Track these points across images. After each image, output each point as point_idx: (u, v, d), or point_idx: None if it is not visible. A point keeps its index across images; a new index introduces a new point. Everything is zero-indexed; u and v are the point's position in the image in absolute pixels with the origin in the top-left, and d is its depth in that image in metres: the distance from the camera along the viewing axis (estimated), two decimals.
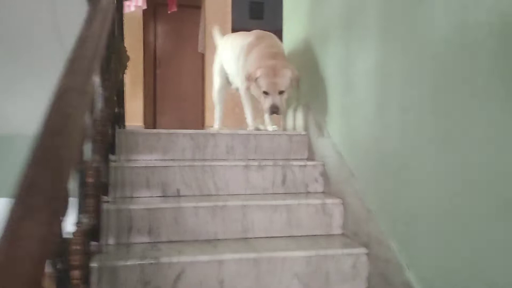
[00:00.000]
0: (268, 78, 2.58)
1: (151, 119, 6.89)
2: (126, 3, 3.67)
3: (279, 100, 2.60)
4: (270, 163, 2.44)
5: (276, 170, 2.43)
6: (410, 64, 1.69)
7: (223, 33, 6.01)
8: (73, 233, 1.30)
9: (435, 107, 1.54)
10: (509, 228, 1.21)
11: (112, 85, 2.15)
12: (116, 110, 2.38)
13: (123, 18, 2.68)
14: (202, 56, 6.50)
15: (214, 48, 6.03)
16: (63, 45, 2.48)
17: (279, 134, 2.72)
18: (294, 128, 3.01)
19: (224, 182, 2.36)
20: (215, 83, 3.45)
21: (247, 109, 3.06)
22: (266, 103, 2.62)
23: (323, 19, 2.63)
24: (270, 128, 3.06)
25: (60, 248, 1.12)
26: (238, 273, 1.85)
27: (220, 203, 2.11)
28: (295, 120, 3.01)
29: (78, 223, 1.36)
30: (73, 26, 2.15)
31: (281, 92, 2.61)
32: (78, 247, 1.32)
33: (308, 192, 2.47)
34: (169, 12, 5.13)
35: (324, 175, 2.49)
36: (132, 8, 4.59)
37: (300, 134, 2.75)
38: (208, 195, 2.33)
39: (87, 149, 1.49)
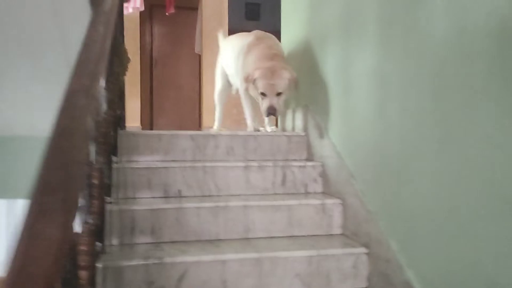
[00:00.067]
0: (266, 79, 2.58)
1: (148, 120, 6.90)
2: (124, 5, 3.69)
3: (276, 102, 2.61)
4: (270, 163, 2.47)
5: (276, 170, 2.46)
6: (409, 66, 1.72)
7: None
8: (80, 234, 1.32)
9: (434, 108, 1.56)
10: (509, 228, 1.24)
11: (115, 87, 2.17)
12: (118, 112, 2.39)
13: (123, 20, 2.70)
14: (199, 57, 6.51)
15: (211, 49, 6.09)
16: (66, 48, 2.51)
17: (278, 135, 2.75)
18: (293, 129, 3.03)
19: (225, 182, 2.39)
20: (217, 84, 3.47)
21: (247, 110, 3.08)
22: (264, 104, 2.63)
23: (322, 21, 2.66)
24: (269, 129, 3.08)
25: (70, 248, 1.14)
26: (241, 273, 1.87)
27: (222, 204, 2.13)
28: (294, 121, 3.04)
29: (85, 224, 1.38)
30: (76, 30, 2.17)
31: (278, 94, 2.62)
32: (85, 248, 1.34)
33: (308, 193, 2.50)
34: (167, 13, 5.14)
35: (323, 175, 2.51)
36: (130, 10, 4.60)
37: (299, 135, 2.78)
38: (209, 195, 2.35)
39: (91, 151, 1.51)
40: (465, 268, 1.42)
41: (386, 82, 1.89)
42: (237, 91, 3.22)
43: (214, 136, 2.62)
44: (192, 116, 6.96)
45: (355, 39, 2.19)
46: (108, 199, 2.02)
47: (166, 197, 2.29)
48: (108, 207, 1.96)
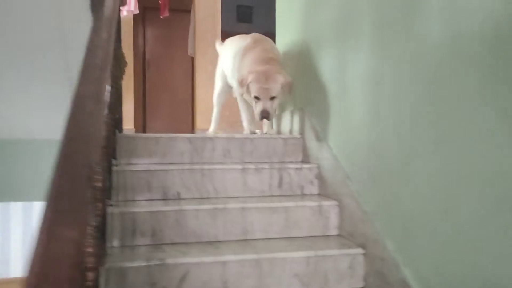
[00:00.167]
0: (260, 83, 2.59)
1: (141, 123, 6.91)
2: None
3: (270, 106, 2.62)
4: (267, 166, 2.51)
5: (273, 173, 2.50)
6: (404, 69, 1.77)
7: (213, 36, 6.09)
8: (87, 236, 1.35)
9: (429, 110, 1.61)
10: (504, 226, 1.28)
11: (114, 91, 2.19)
12: (116, 115, 2.42)
13: (120, 24, 2.73)
14: (192, 59, 6.54)
15: (204, 51, 6.12)
16: (66, 50, 2.53)
17: (274, 138, 2.79)
18: (291, 132, 3.07)
19: (223, 185, 2.42)
20: (216, 86, 3.47)
21: (243, 113, 3.11)
22: (257, 108, 2.65)
23: (318, 25, 2.70)
24: (265, 130, 3.11)
25: None
26: (241, 273, 1.91)
27: (220, 206, 2.17)
28: (290, 123, 3.08)
29: (90, 226, 1.41)
30: (76, 32, 2.20)
31: (272, 98, 2.63)
32: (91, 249, 1.37)
33: (304, 194, 2.54)
34: (161, 17, 5.16)
35: (319, 177, 2.56)
36: (125, 13, 4.62)
37: (295, 138, 2.82)
38: (207, 198, 2.39)
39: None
40: (462, 267, 1.46)
41: (382, 85, 1.94)
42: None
43: (211, 138, 2.66)
44: (185, 118, 6.99)
45: (350, 42, 2.24)
46: (108, 201, 2.04)
47: (165, 199, 2.33)
48: (109, 209, 1.99)
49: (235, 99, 3.21)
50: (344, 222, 2.26)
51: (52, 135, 2.91)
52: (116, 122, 2.39)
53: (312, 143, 2.69)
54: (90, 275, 1.35)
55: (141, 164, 2.47)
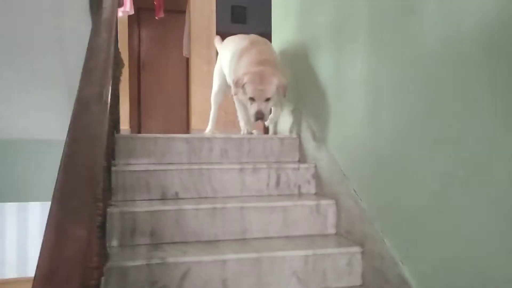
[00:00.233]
0: (255, 84, 2.59)
1: (136, 123, 6.92)
2: None
3: (264, 107, 2.61)
4: (264, 166, 2.53)
5: (270, 172, 2.53)
6: (401, 71, 1.80)
7: (208, 37, 6.10)
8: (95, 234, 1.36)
9: (426, 111, 1.65)
10: (500, 223, 1.32)
11: (113, 92, 2.21)
12: (114, 116, 2.43)
13: (117, 25, 2.74)
14: (187, 60, 6.55)
15: (199, 52, 6.14)
16: (66, 53, 2.54)
17: (271, 138, 2.81)
18: (291, 132, 3.07)
19: (221, 184, 2.44)
20: (214, 85, 3.45)
21: (240, 113, 3.13)
22: (252, 109, 2.64)
23: (315, 26, 2.73)
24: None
25: None
26: (241, 272, 1.93)
27: (220, 205, 2.19)
28: (287, 124, 3.09)
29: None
30: (76, 35, 2.21)
31: (267, 99, 2.62)
32: (95, 249, 1.38)
33: (301, 194, 2.57)
34: (156, 18, 5.17)
35: (316, 177, 2.59)
36: (120, 14, 4.61)
37: (291, 138, 2.85)
38: (205, 197, 2.41)
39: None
40: (459, 263, 1.49)
41: (379, 86, 1.97)
42: None
43: (208, 139, 2.68)
44: (180, 118, 7.00)
45: (347, 44, 2.27)
46: (109, 201, 2.06)
47: (163, 199, 2.34)
48: (108, 209, 2.00)
49: (231, 98, 3.22)
50: (342, 220, 2.29)
51: (50, 135, 2.93)
52: (114, 123, 2.40)
53: (309, 143, 2.71)
54: (95, 273, 1.37)
55: (140, 164, 2.49)
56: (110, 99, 2.02)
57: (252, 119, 2.68)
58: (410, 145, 1.75)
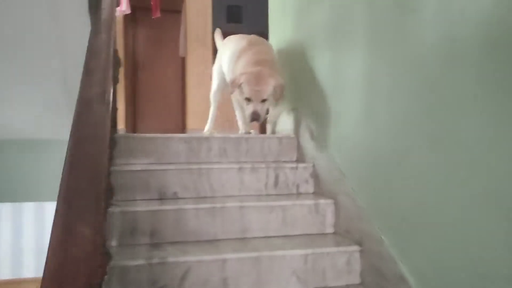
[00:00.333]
0: (251, 85, 2.59)
1: (132, 123, 6.91)
2: None
3: (261, 108, 2.61)
4: (263, 165, 2.54)
5: (269, 172, 2.54)
6: (398, 71, 1.82)
7: (205, 37, 6.11)
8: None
9: (423, 111, 1.66)
10: (498, 221, 1.33)
11: (112, 92, 2.21)
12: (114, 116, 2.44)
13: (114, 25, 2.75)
14: (183, 60, 6.56)
15: (195, 52, 6.14)
16: (63, 53, 2.54)
17: (269, 137, 2.82)
18: (289, 131, 3.07)
19: (220, 184, 2.45)
20: (213, 83, 3.43)
21: (238, 113, 3.14)
22: (248, 110, 2.64)
23: (312, 25, 2.74)
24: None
25: None
26: (241, 271, 1.94)
27: (219, 205, 2.19)
28: (284, 123, 3.10)
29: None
30: (74, 35, 2.21)
31: (263, 100, 2.62)
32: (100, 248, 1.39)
33: (300, 193, 2.58)
34: (153, 17, 5.16)
35: (315, 176, 2.60)
36: (117, 13, 4.61)
37: (289, 137, 2.86)
38: (204, 197, 2.41)
39: None
40: (458, 261, 1.51)
41: (376, 86, 1.98)
42: None
43: (207, 138, 2.69)
44: (175, 118, 7.00)
45: (345, 43, 2.28)
46: (110, 201, 2.06)
47: (162, 199, 2.35)
48: (109, 209, 2.01)
49: (229, 98, 3.22)
50: (340, 219, 2.31)
51: (47, 135, 2.92)
52: (113, 123, 2.40)
53: (306, 143, 2.73)
54: (100, 272, 1.37)
55: (139, 164, 2.49)
56: (112, 99, 2.04)
57: (248, 119, 2.68)
58: (408, 143, 1.76)
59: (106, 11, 1.97)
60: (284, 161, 2.75)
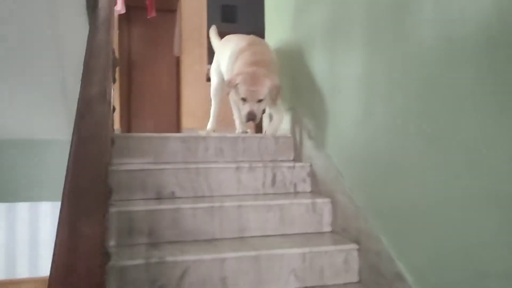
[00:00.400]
0: (247, 85, 2.58)
1: (126, 123, 6.89)
2: None
3: (257, 108, 2.60)
4: (260, 164, 2.55)
5: (266, 171, 2.55)
6: (397, 71, 1.83)
7: (200, 36, 6.10)
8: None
9: (421, 110, 1.67)
10: (495, 218, 1.35)
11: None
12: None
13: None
14: (177, 59, 6.54)
15: (190, 51, 6.13)
16: (61, 53, 2.53)
17: (266, 137, 2.82)
18: (286, 130, 3.07)
19: (217, 183, 2.46)
20: (212, 81, 3.40)
21: (235, 113, 3.14)
22: (244, 110, 2.64)
23: (309, 24, 2.75)
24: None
25: None
26: (240, 270, 1.95)
27: (217, 204, 2.20)
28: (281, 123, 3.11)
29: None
30: (71, 35, 2.20)
31: (259, 100, 2.61)
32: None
33: (297, 192, 2.59)
34: (148, 17, 5.15)
35: (312, 175, 2.61)
36: None
37: (286, 136, 2.87)
38: (202, 196, 2.42)
39: None
40: (455, 259, 1.52)
41: (373, 85, 2.00)
42: None
43: (203, 138, 2.69)
44: (170, 118, 6.98)
45: (342, 43, 2.29)
46: (109, 200, 2.06)
47: (160, 198, 2.35)
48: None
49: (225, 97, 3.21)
50: (338, 218, 2.32)
51: (44, 135, 2.91)
52: (111, 122, 2.40)
53: (304, 142, 2.74)
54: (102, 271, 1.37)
55: (135, 163, 2.49)
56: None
57: (244, 119, 2.67)
58: (406, 143, 1.77)
59: (105, 11, 1.97)
60: (281, 160, 2.76)
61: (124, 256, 1.89)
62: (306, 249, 2.06)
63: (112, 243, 2.05)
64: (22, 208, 6.31)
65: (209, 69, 5.94)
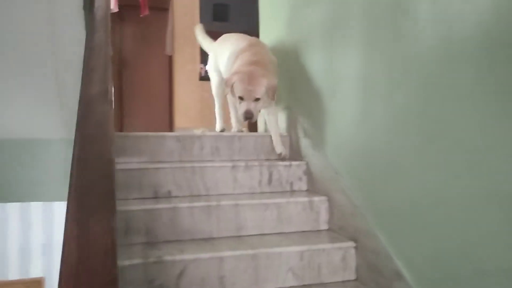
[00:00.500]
0: (244, 84, 2.58)
1: (118, 122, 6.85)
2: None
3: (254, 107, 2.60)
4: (256, 163, 2.55)
5: (262, 170, 2.55)
6: (395, 71, 1.84)
7: (192, 35, 6.08)
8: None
9: (420, 109, 1.69)
10: (494, 218, 1.36)
11: None
12: None
13: None
14: (170, 58, 6.52)
15: (182, 50, 6.11)
16: (58, 52, 2.52)
17: (262, 136, 2.83)
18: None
19: (214, 182, 2.46)
20: (212, 80, 3.38)
21: (232, 111, 3.14)
22: (241, 109, 2.63)
23: (306, 24, 2.75)
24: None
25: None
26: (238, 268, 1.95)
27: (214, 203, 2.20)
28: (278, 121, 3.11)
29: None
30: (68, 34, 2.19)
31: (256, 99, 2.60)
32: None
33: (293, 191, 2.60)
34: (141, 15, 5.12)
35: (308, 173, 2.62)
36: None
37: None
38: (198, 195, 2.41)
39: None
40: (453, 256, 1.54)
41: (371, 84, 2.01)
42: None
43: (199, 137, 2.68)
44: (162, 117, 6.95)
45: (340, 42, 2.30)
46: None
47: (156, 197, 2.34)
48: None
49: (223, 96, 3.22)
50: (334, 216, 2.33)
51: (41, 135, 2.89)
52: None
53: (300, 141, 2.75)
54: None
55: (132, 162, 2.48)
56: None
57: (241, 118, 2.67)
58: (405, 142, 1.78)
59: (102, 10, 1.96)
60: (277, 159, 2.77)
61: (121, 256, 1.88)
62: (303, 247, 2.07)
63: None
64: (13, 208, 6.26)
65: (202, 68, 5.91)
